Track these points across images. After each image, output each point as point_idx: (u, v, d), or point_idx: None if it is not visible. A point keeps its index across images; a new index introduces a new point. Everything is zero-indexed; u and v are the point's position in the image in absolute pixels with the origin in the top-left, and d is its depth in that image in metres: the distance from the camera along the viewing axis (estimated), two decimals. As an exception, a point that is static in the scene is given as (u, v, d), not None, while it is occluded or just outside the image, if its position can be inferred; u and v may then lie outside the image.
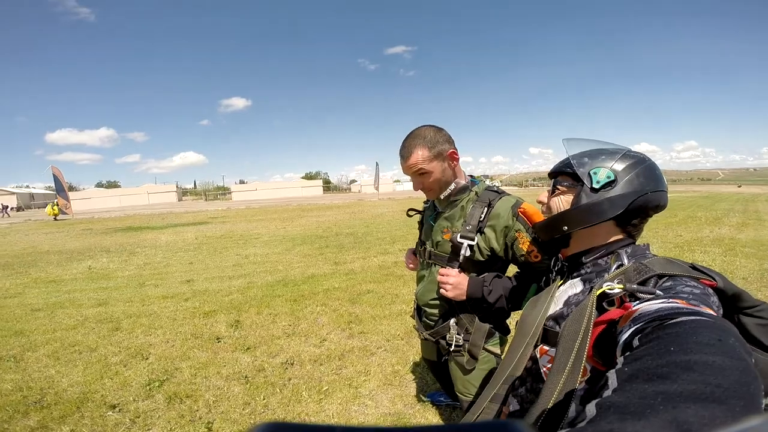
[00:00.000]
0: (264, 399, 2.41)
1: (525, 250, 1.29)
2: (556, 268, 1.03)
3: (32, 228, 16.14)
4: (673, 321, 0.47)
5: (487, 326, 1.45)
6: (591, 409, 0.35)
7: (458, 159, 1.41)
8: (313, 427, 0.21)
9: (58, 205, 21.73)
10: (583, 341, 0.64)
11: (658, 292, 0.64)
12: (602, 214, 0.86)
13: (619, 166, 0.86)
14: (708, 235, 8.07)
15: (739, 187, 45.99)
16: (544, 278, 1.09)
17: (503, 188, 1.49)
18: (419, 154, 1.34)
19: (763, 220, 10.62)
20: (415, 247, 1.73)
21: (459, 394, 1.58)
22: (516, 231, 1.30)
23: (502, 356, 1.55)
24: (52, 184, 25.04)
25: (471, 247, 1.36)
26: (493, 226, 1.34)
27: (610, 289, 0.70)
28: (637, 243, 0.93)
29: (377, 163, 32.01)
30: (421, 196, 1.55)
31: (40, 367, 2.97)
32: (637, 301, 0.64)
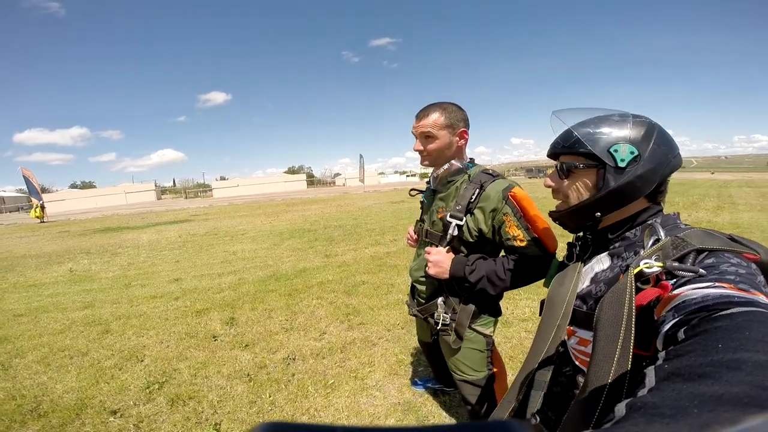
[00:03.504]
0: (270, 396, 2.36)
1: (511, 234, 1.32)
2: (579, 243, 0.98)
3: (4, 232, 15.44)
4: (723, 313, 0.44)
5: (472, 307, 1.49)
6: (621, 409, 0.33)
7: (467, 140, 1.47)
8: (314, 427, 0.20)
9: (42, 207, 20.53)
10: (628, 327, 0.59)
11: (700, 270, 0.59)
12: (636, 193, 0.81)
13: (637, 137, 0.80)
14: (686, 219, 8.15)
15: (713, 173, 47.56)
16: (567, 253, 1.04)
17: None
18: (434, 117, 1.40)
19: (737, 204, 11.00)
20: (415, 225, 1.78)
21: (452, 373, 1.65)
22: (504, 214, 1.32)
23: (492, 336, 1.57)
24: (23, 187, 23.85)
25: (459, 227, 1.40)
26: (482, 208, 1.36)
27: (648, 268, 0.65)
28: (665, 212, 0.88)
29: (361, 156, 31.60)
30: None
31: (30, 373, 2.85)
32: (675, 280, 0.61)
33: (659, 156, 0.79)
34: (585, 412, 0.63)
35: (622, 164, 0.80)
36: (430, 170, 1.60)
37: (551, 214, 0.97)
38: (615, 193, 0.82)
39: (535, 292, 3.93)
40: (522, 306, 3.59)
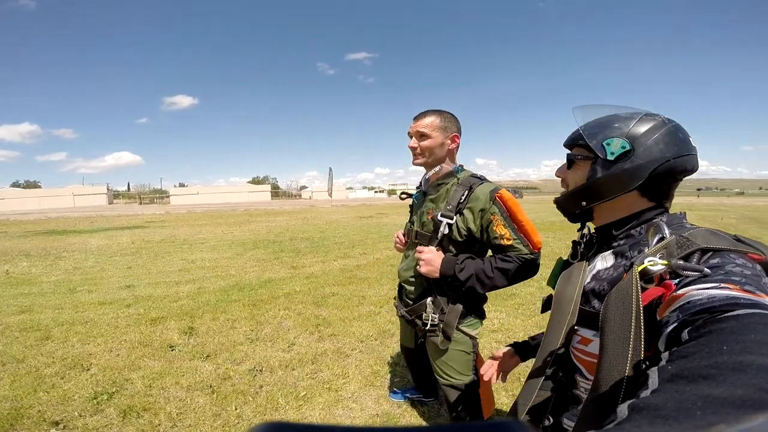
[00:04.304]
0: (236, 409, 2.19)
1: (498, 233, 1.38)
2: (584, 240, 0.97)
3: (-73, 230, 13.92)
4: (728, 314, 0.43)
5: (460, 307, 1.51)
6: (623, 410, 0.32)
7: (457, 144, 1.55)
8: (314, 427, 0.20)
9: None
10: (638, 326, 0.58)
11: (705, 270, 0.58)
12: (620, 187, 0.82)
13: (636, 133, 0.80)
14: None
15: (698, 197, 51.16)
16: (571, 251, 1.03)
17: None
18: (430, 119, 1.50)
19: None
20: (404, 228, 1.80)
21: (438, 377, 1.63)
22: (491, 214, 1.39)
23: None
24: None
25: (450, 225, 1.45)
26: (471, 208, 1.42)
27: (652, 266, 0.63)
28: (671, 211, 0.88)
29: (330, 169, 31.46)
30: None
31: None
32: (678, 279, 0.60)
33: (654, 153, 0.78)
34: (598, 412, 0.62)
35: (611, 157, 0.81)
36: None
37: (555, 200, 1.00)
38: (598, 184, 0.84)
39: (503, 304, 3.97)
40: (491, 317, 3.60)
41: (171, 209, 27.20)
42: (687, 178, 0.87)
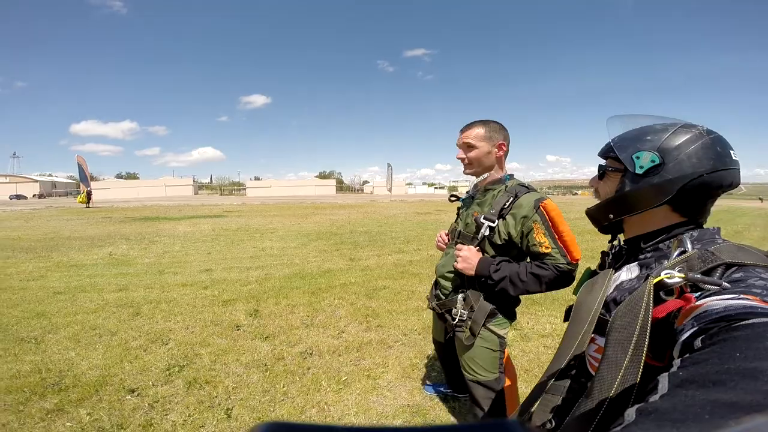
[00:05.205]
0: (283, 387, 2.41)
1: (538, 240, 1.42)
2: (613, 251, 0.97)
3: (54, 214, 16.55)
4: (743, 323, 0.42)
5: (490, 306, 1.56)
6: (630, 413, 0.33)
7: (504, 152, 1.61)
8: (314, 427, 0.20)
9: (89, 193, 22.27)
10: (641, 337, 0.58)
11: (724, 284, 0.57)
12: (647, 202, 0.80)
13: (668, 146, 0.77)
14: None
15: (762, 201, 44.72)
16: (600, 261, 1.04)
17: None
18: (474, 130, 1.58)
19: (786, 234, 10.31)
20: (449, 228, 1.86)
21: (464, 372, 1.68)
22: (533, 222, 1.43)
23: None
24: (74, 174, 25.97)
25: (491, 228, 1.51)
26: (514, 214, 1.47)
27: (668, 278, 0.63)
28: (705, 227, 0.84)
29: (389, 165, 31.66)
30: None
31: (60, 349, 2.97)
32: (699, 293, 0.59)
33: (685, 168, 0.75)
34: (585, 417, 0.63)
35: (639, 171, 0.80)
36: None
37: (586, 210, 1.00)
38: (625, 198, 0.83)
39: (559, 309, 3.83)
40: (543, 322, 3.50)
41: (247, 200, 29.38)
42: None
